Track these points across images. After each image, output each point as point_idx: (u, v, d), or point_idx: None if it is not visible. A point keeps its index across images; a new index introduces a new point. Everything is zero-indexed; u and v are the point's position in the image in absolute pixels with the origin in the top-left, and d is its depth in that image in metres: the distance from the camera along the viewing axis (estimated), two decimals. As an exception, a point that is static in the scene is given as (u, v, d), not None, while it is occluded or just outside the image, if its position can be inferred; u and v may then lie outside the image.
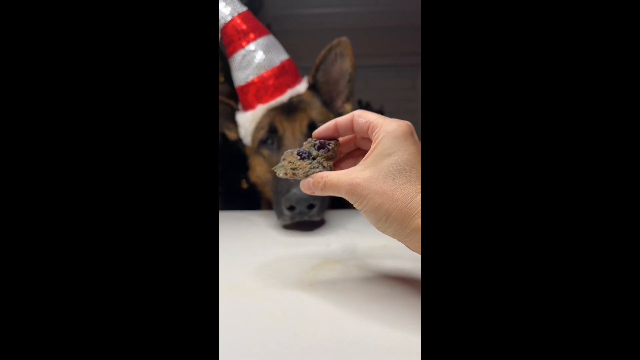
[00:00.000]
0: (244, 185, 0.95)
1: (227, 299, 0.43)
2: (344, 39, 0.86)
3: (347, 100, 0.91)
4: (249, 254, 0.61)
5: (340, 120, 0.45)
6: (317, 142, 0.46)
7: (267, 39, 0.86)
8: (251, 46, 0.84)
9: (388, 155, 0.39)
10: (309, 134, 0.81)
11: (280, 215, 0.74)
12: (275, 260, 0.57)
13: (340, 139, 0.48)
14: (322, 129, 0.47)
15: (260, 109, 0.85)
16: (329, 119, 0.84)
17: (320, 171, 0.44)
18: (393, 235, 0.40)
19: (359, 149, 0.49)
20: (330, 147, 0.46)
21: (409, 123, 0.41)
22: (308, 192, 0.45)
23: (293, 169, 0.45)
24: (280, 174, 0.46)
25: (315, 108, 0.86)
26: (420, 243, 0.37)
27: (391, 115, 0.45)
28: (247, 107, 0.88)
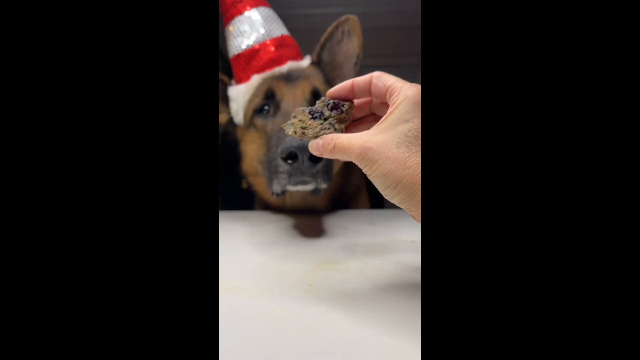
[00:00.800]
0: (244, 185, 0.94)
1: (227, 299, 0.43)
2: (352, 16, 0.79)
3: None
4: (249, 254, 0.61)
5: (358, 80, 0.43)
6: (331, 101, 0.43)
7: (268, 10, 0.79)
8: (249, 13, 0.77)
9: (405, 121, 0.37)
10: (311, 102, 0.72)
11: (275, 179, 0.64)
12: (275, 260, 0.57)
13: (355, 101, 0.45)
14: (337, 88, 0.44)
15: (256, 79, 0.76)
16: None
17: (332, 133, 0.42)
18: (400, 203, 0.38)
19: (373, 114, 0.47)
20: (344, 109, 0.43)
21: None
22: (316, 153, 0.42)
23: (303, 127, 0.43)
24: (290, 131, 0.43)
25: (319, 79, 0.78)
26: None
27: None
28: (242, 78, 0.78)
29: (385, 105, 0.42)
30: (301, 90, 0.73)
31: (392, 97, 0.40)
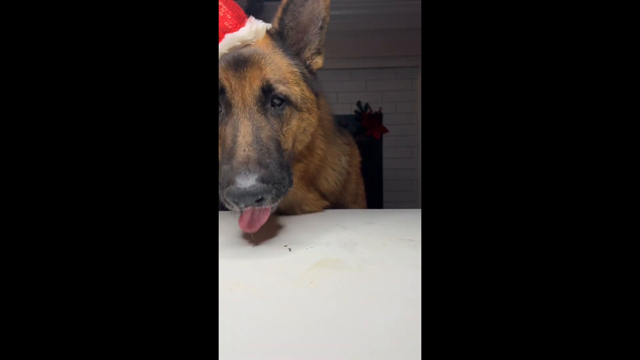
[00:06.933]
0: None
1: (227, 297, 0.44)
2: None
3: (318, 52, 0.74)
4: (249, 253, 0.61)
5: None
6: None
7: None
8: None
9: None
10: (262, 97, 0.65)
11: (223, 197, 0.59)
12: (275, 259, 0.57)
13: None
14: None
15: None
16: (291, 76, 0.69)
17: None
18: None
19: None
20: None
21: None
22: None
23: None
24: None
25: (273, 62, 0.68)
26: None
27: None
28: None
29: None
30: (249, 85, 0.64)
31: None
